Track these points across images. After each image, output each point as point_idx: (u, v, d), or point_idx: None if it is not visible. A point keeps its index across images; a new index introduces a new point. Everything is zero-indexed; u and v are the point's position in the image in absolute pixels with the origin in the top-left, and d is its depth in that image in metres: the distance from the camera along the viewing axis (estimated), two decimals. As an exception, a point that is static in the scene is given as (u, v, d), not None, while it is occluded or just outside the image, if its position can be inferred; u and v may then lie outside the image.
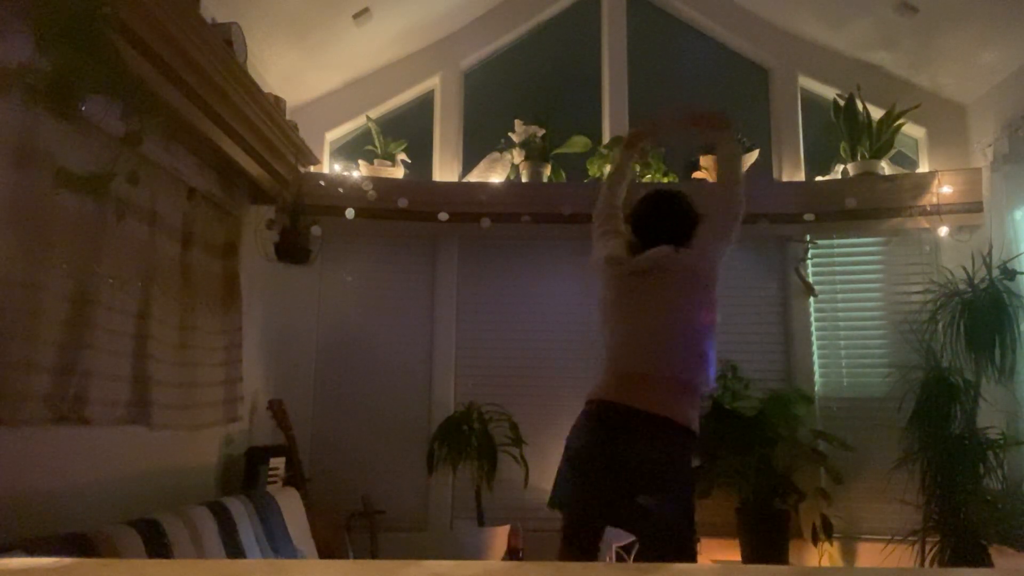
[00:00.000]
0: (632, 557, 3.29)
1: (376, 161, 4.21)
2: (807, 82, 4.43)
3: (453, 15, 4.40)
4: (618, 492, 2.17)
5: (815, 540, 3.73)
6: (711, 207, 2.47)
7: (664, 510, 2.13)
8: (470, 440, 3.82)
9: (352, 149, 4.44)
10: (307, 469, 3.80)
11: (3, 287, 1.91)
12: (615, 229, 2.65)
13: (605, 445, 2.21)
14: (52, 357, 2.11)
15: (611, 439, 2.21)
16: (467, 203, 4.07)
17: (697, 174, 4.21)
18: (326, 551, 3.37)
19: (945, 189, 3.90)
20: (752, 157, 4.19)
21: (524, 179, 4.18)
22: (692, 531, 2.20)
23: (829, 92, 4.30)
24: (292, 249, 3.53)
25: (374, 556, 3.71)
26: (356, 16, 3.87)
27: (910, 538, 3.54)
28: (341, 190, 4.01)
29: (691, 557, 2.21)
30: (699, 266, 2.37)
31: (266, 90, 3.25)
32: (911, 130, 4.22)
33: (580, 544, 2.26)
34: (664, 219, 2.49)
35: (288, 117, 3.59)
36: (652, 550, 2.22)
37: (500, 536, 3.74)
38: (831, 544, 3.75)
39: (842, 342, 4.14)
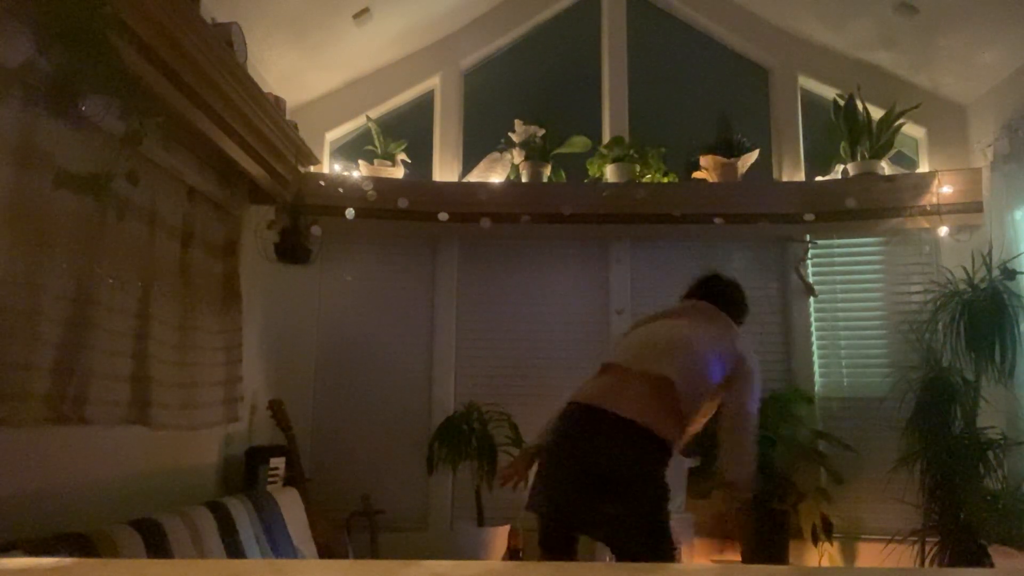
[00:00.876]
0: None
1: (376, 161, 4.20)
2: (807, 82, 4.43)
3: (453, 15, 4.40)
4: (584, 497, 2.15)
5: (815, 540, 3.72)
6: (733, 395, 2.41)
7: (630, 520, 2.10)
8: (470, 440, 3.82)
9: (352, 149, 4.43)
10: (307, 469, 3.80)
11: (3, 287, 1.91)
12: None
13: (574, 448, 2.20)
14: (52, 357, 2.11)
15: (581, 442, 2.19)
16: (467, 203, 4.07)
17: (697, 174, 4.21)
18: (326, 551, 3.37)
19: (945, 189, 3.90)
20: (752, 157, 4.19)
21: (524, 179, 4.18)
22: (665, 544, 2.17)
23: (829, 92, 4.30)
24: (292, 249, 3.53)
25: (374, 556, 3.71)
26: (356, 16, 3.87)
27: (910, 538, 3.54)
28: (341, 190, 4.01)
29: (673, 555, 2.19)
30: (722, 348, 2.38)
31: (266, 90, 3.25)
32: (911, 130, 4.22)
33: (553, 550, 2.24)
34: (717, 287, 2.62)
35: (288, 117, 3.59)
36: (621, 559, 2.20)
37: (500, 536, 3.75)
38: (831, 544, 3.75)
39: (842, 342, 4.14)
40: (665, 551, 2.15)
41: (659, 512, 2.17)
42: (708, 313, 2.50)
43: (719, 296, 2.58)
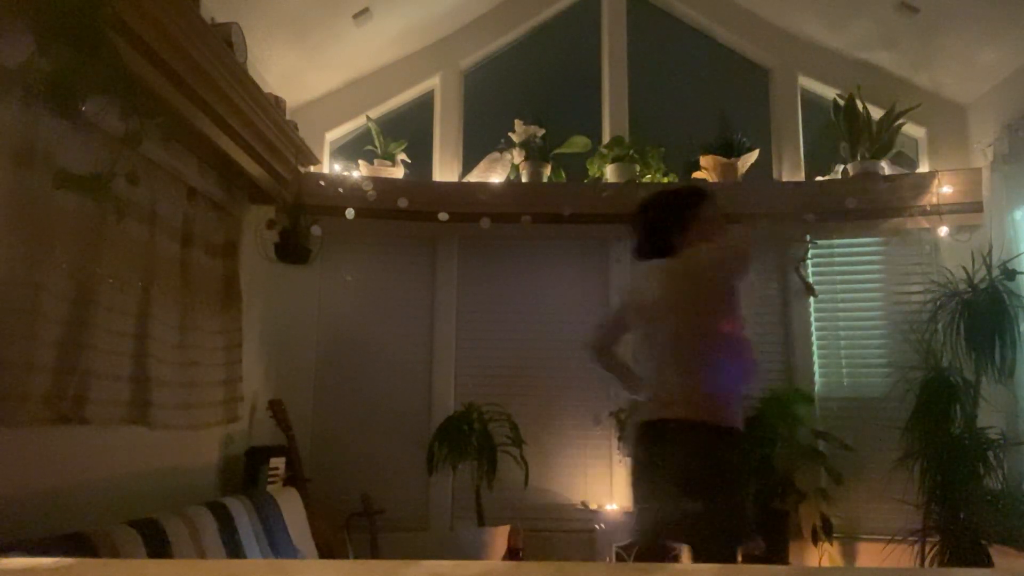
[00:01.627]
0: (632, 557, 3.28)
1: (376, 161, 4.20)
2: (807, 82, 4.43)
3: (453, 15, 4.40)
4: (673, 507, 2.20)
5: (815, 540, 3.72)
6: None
7: (714, 514, 2.15)
8: (470, 440, 3.82)
9: (352, 149, 4.44)
10: (307, 469, 3.79)
11: (3, 287, 1.91)
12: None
13: (655, 468, 2.27)
14: (52, 357, 2.11)
15: (659, 460, 2.26)
16: (467, 203, 4.07)
17: (697, 174, 4.20)
18: (326, 551, 3.37)
19: (945, 189, 3.90)
20: (752, 157, 4.19)
21: (524, 179, 4.18)
22: (746, 531, 2.23)
23: (829, 92, 4.30)
24: (292, 249, 3.52)
25: (374, 556, 3.71)
26: (356, 16, 3.87)
27: (910, 538, 3.54)
28: (341, 190, 4.01)
29: (732, 558, 2.23)
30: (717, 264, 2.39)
31: (266, 90, 3.25)
32: (911, 130, 4.22)
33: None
34: (653, 240, 2.62)
35: (288, 117, 3.59)
36: (704, 555, 2.22)
37: (500, 536, 3.74)
38: (831, 544, 3.75)
39: (842, 342, 4.14)
40: (738, 542, 2.20)
41: (737, 498, 2.23)
42: (671, 278, 2.47)
43: (658, 244, 2.56)
